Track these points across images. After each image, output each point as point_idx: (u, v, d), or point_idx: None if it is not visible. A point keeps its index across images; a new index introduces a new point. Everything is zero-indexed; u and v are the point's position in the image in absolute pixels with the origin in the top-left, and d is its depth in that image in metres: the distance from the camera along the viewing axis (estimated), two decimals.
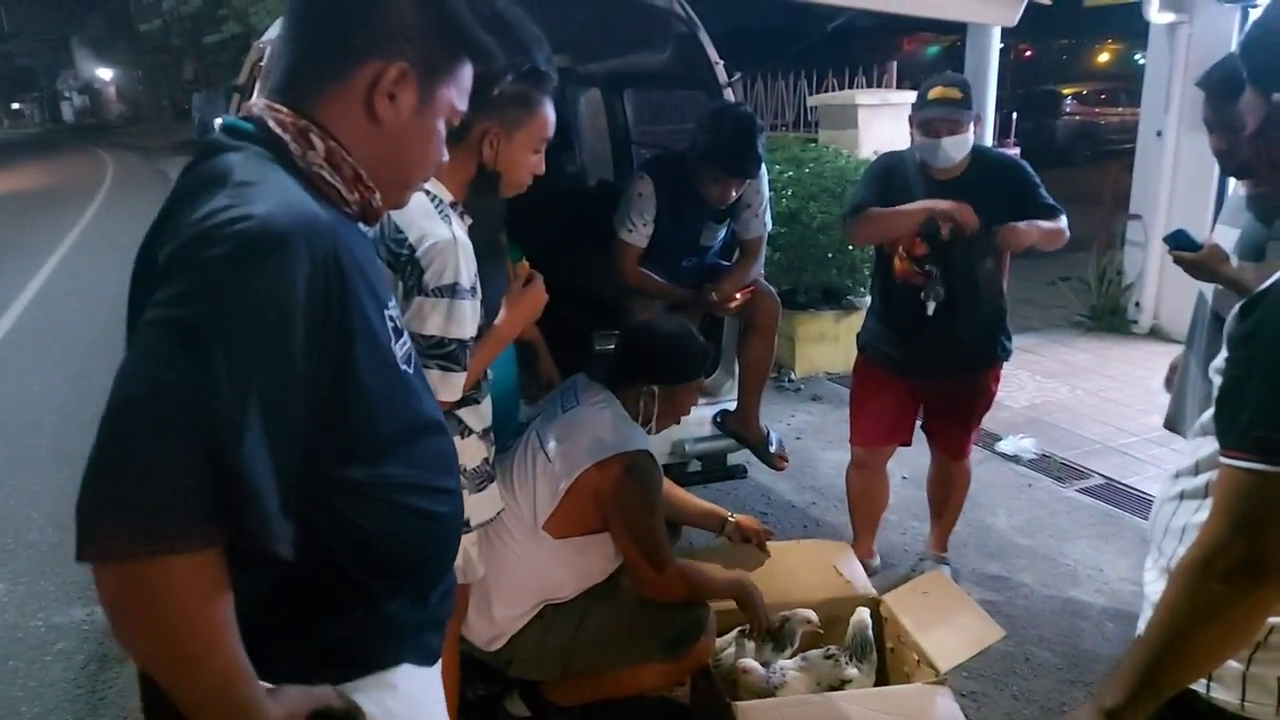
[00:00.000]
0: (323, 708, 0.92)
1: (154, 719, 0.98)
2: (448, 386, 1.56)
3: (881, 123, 5.70)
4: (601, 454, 2.04)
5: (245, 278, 0.81)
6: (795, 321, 5.15)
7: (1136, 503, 3.60)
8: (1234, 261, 2.19)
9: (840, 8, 2.75)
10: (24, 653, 2.78)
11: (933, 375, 2.83)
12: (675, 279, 2.94)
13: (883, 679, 2.31)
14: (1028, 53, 20.76)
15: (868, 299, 3.71)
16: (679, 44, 3.28)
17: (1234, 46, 1.17)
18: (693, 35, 3.09)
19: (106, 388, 0.81)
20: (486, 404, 1.85)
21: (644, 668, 2.12)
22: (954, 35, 13.45)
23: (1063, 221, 2.65)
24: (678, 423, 2.34)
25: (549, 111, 1.71)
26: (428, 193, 1.59)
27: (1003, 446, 4.15)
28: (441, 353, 1.55)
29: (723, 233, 3.01)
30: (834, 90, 6.83)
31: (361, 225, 1.05)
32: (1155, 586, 1.20)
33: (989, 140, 5.79)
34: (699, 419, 2.95)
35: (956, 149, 2.59)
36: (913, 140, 2.70)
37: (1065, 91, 15.98)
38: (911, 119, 2.68)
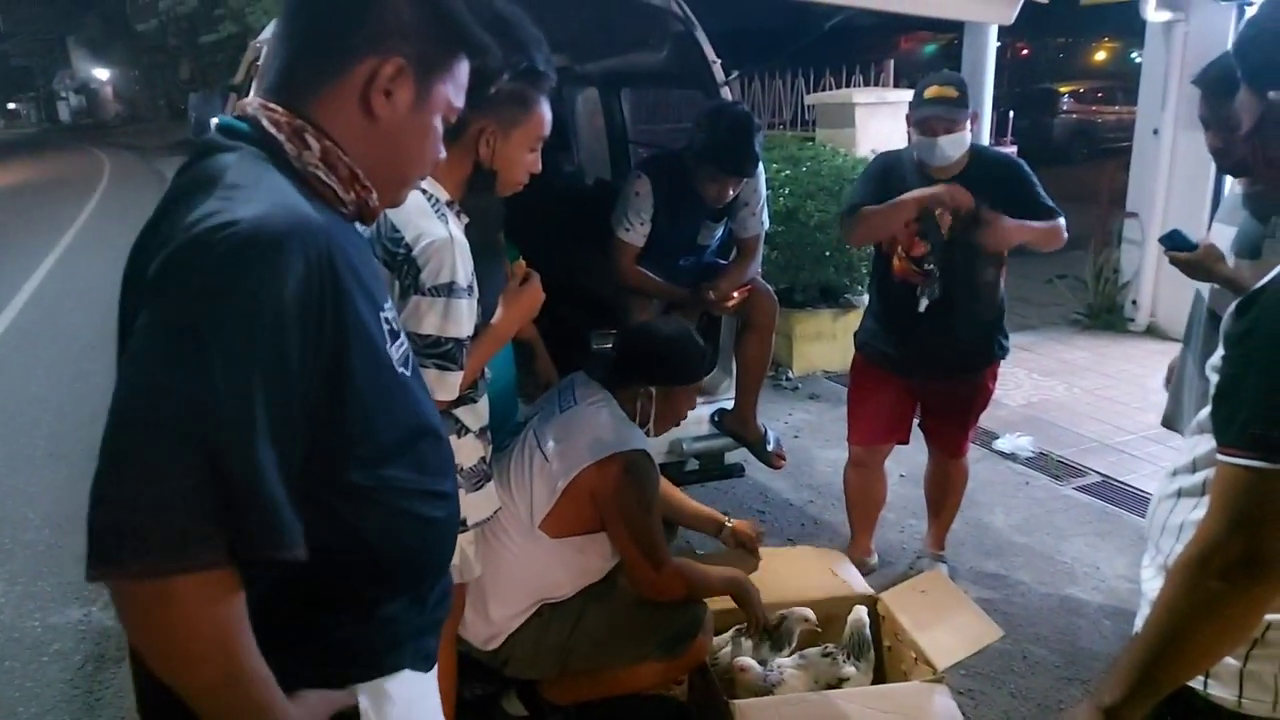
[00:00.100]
0: (344, 710, 0.92)
1: None
2: (444, 385, 1.56)
3: (879, 121, 5.71)
4: (599, 453, 2.04)
5: (238, 283, 0.80)
6: (793, 320, 5.15)
7: (1133, 500, 3.60)
8: (1230, 259, 2.20)
9: (837, 6, 2.75)
10: (20, 653, 2.77)
11: (930, 374, 2.83)
12: (673, 278, 2.94)
13: (880, 677, 2.32)
14: (1025, 51, 20.77)
15: (865, 297, 3.72)
16: (676, 43, 3.28)
17: (1230, 45, 1.17)
18: (690, 34, 3.09)
19: (104, 388, 0.81)
20: (483, 403, 1.85)
21: (641, 666, 2.12)
22: (951, 34, 13.45)
23: (1060, 223, 2.64)
24: (677, 424, 2.34)
25: (546, 110, 1.71)
26: (424, 191, 1.59)
27: (1000, 445, 4.15)
28: (438, 352, 1.55)
29: (720, 231, 3.01)
30: (831, 89, 6.83)
31: (358, 224, 1.04)
32: (1153, 584, 1.20)
33: (986, 138, 5.79)
34: (697, 418, 2.95)
35: (953, 147, 2.59)
36: (910, 139, 2.70)
37: (1062, 90, 15.99)
38: (908, 118, 2.68)
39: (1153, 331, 5.83)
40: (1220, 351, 1.06)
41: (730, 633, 2.32)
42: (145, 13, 33.67)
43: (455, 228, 1.60)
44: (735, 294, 2.88)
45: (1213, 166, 4.97)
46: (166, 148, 21.65)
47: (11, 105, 58.40)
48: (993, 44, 5.59)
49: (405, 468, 1.00)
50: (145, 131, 31.28)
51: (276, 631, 0.87)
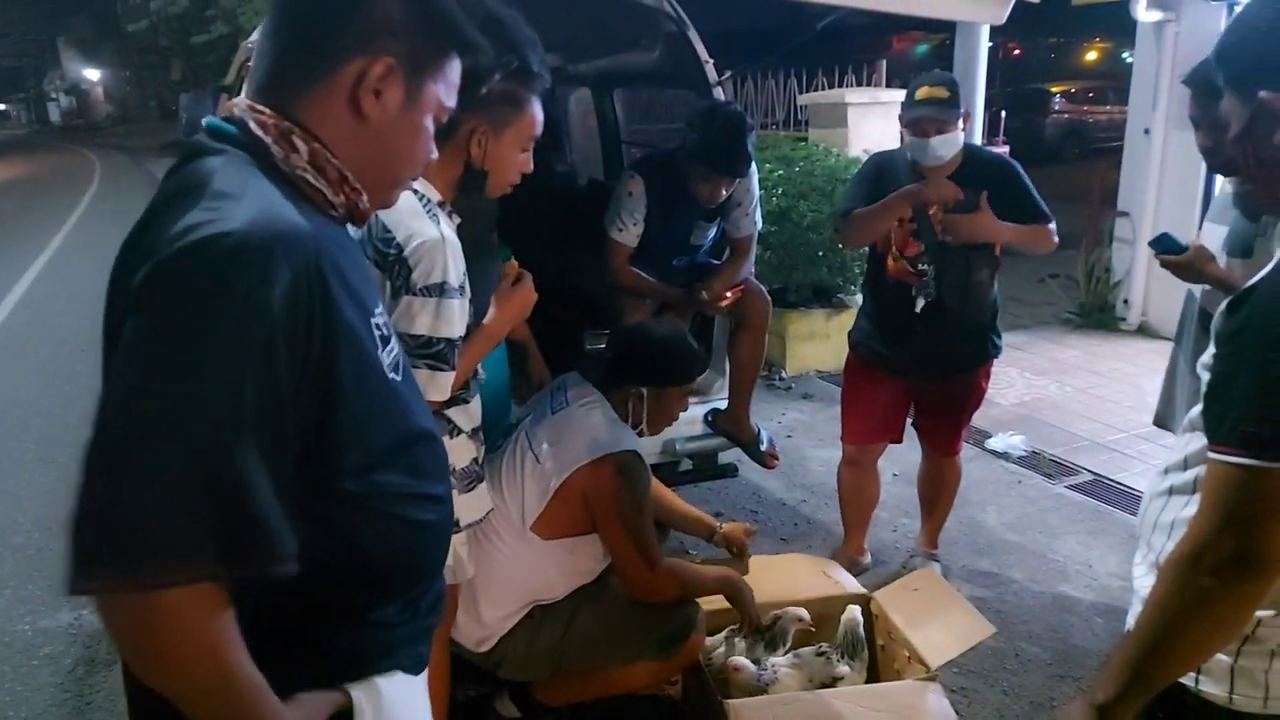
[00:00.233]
0: (340, 710, 0.92)
1: None
2: (436, 386, 1.55)
3: (871, 121, 5.72)
4: (592, 454, 2.04)
5: (225, 293, 0.79)
6: (786, 320, 5.16)
7: (1125, 499, 3.62)
8: (1222, 258, 2.21)
9: (830, 6, 2.75)
10: (11, 657, 2.75)
11: (924, 374, 2.84)
12: (666, 278, 2.94)
13: (874, 676, 2.32)
14: (1016, 51, 20.84)
15: (858, 297, 3.73)
16: (669, 43, 3.28)
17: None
18: (682, 34, 3.09)
19: (94, 391, 0.80)
20: (475, 403, 1.85)
21: (635, 666, 2.11)
22: (943, 34, 13.49)
23: (1050, 227, 2.64)
24: (669, 425, 2.34)
25: (537, 110, 1.71)
26: (415, 192, 1.58)
27: (992, 443, 4.16)
28: (430, 352, 1.54)
29: (713, 231, 3.01)
30: (824, 89, 6.85)
31: (349, 226, 1.03)
32: (1144, 581, 1.20)
33: (977, 138, 5.81)
34: (690, 418, 2.95)
35: (945, 147, 2.59)
36: (902, 140, 2.71)
37: (1054, 90, 16.07)
38: (901, 118, 2.68)
39: (1144, 330, 5.85)
40: (1211, 350, 1.07)
41: (724, 632, 2.32)
42: (136, 13, 33.55)
43: (447, 228, 1.59)
44: (728, 294, 2.88)
45: (1203, 166, 4.98)
46: (157, 148, 21.53)
47: (1, 106, 58.09)
48: (984, 44, 5.61)
49: (398, 473, 0.99)
50: (136, 132, 31.14)
51: (268, 637, 0.87)
